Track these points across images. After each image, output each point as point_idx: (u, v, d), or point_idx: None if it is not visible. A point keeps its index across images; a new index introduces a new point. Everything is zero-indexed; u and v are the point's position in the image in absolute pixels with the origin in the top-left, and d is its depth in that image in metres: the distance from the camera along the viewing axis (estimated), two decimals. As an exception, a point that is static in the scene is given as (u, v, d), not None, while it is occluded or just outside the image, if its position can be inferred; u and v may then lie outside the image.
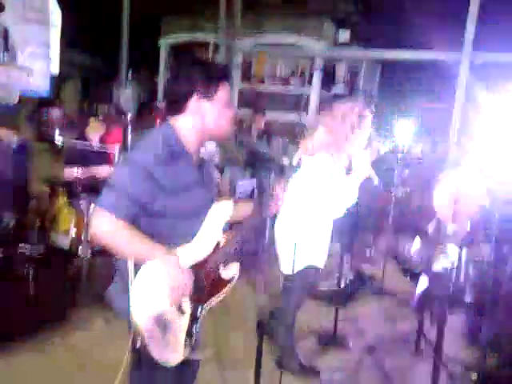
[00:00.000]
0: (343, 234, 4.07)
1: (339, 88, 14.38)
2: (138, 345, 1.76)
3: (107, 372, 2.01)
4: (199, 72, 1.84)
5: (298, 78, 14.97)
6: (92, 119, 4.59)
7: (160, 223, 1.81)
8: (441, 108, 10.82)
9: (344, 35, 13.87)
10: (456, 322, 4.14)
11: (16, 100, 4.57)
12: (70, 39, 5.98)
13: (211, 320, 3.89)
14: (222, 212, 1.96)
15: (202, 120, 1.86)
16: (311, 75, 14.52)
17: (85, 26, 9.78)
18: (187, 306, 1.87)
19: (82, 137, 4.47)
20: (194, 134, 1.88)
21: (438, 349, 3.01)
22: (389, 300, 4.66)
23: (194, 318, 1.90)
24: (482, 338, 3.41)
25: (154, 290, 1.77)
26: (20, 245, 3.48)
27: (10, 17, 4.51)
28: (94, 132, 4.49)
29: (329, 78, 14.42)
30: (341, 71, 15.06)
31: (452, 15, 8.36)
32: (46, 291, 3.41)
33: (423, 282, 3.81)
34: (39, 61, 4.87)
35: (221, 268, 1.96)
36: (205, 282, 1.91)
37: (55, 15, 5.03)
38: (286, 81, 15.14)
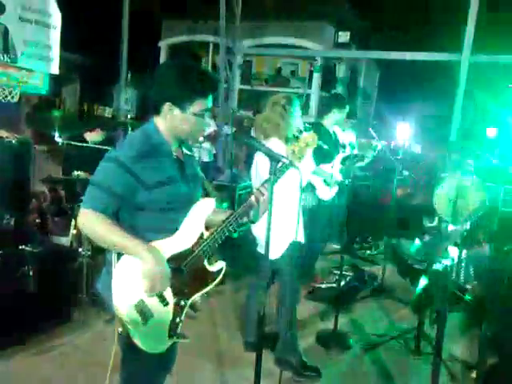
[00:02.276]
0: (343, 234, 4.07)
1: (339, 89, 14.41)
2: (120, 331, 1.82)
3: (108, 372, 2.01)
4: (178, 81, 1.85)
5: (298, 79, 15.00)
6: (98, 129, 4.63)
7: (141, 216, 1.86)
8: (440, 108, 10.82)
9: (344, 36, 13.89)
10: (456, 321, 4.15)
11: (16, 100, 4.57)
12: (71, 40, 5.99)
13: (211, 320, 3.90)
14: (204, 207, 2.00)
15: (173, 125, 1.90)
16: (311, 76, 14.54)
17: (85, 27, 9.80)
18: (170, 297, 1.90)
19: (82, 137, 4.48)
20: (169, 134, 1.93)
21: (437, 348, 3.01)
22: (389, 300, 4.66)
23: (178, 309, 1.93)
24: (482, 337, 3.40)
25: (135, 278, 1.81)
26: (20, 245, 3.48)
27: (10, 17, 4.51)
28: (92, 139, 4.54)
29: (329, 80, 14.45)
30: (341, 72, 15.09)
31: (451, 15, 8.36)
32: (46, 291, 3.41)
33: (423, 282, 3.82)
34: (39, 61, 4.87)
35: (205, 261, 1.99)
36: (188, 274, 1.93)
37: (55, 16, 5.04)
38: (285, 82, 15.17)
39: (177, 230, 1.91)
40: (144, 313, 1.83)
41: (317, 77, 14.19)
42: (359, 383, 3.30)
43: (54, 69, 5.04)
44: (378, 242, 6.23)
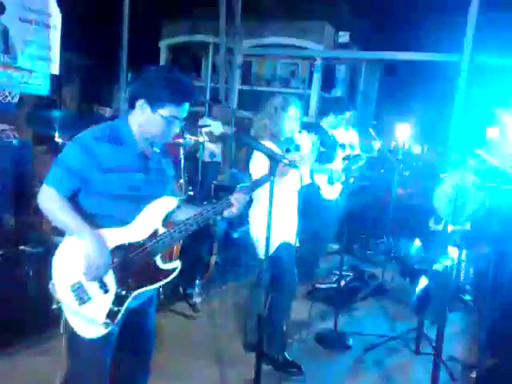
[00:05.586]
0: (343, 234, 4.07)
1: (339, 90, 14.41)
2: (54, 306, 1.92)
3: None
4: (156, 82, 1.92)
5: (298, 80, 14.98)
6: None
7: (95, 201, 1.92)
8: (440, 109, 10.83)
9: (344, 37, 13.88)
10: (456, 321, 4.15)
11: (16, 100, 4.58)
12: (71, 40, 5.99)
13: (211, 320, 3.90)
14: (164, 205, 2.03)
15: (141, 122, 1.97)
16: (311, 77, 14.53)
17: (85, 27, 9.80)
18: (112, 285, 1.92)
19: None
20: (138, 129, 1.99)
21: (437, 348, 3.01)
22: (389, 300, 4.66)
23: (119, 300, 1.94)
24: (482, 337, 3.41)
25: (76, 259, 1.88)
26: (20, 245, 3.48)
27: (10, 18, 4.52)
28: None
29: (329, 80, 14.43)
30: (341, 73, 15.08)
31: (452, 16, 8.37)
32: (46, 291, 3.41)
33: (423, 282, 3.82)
34: (39, 62, 4.88)
35: (157, 258, 2.00)
36: (134, 267, 1.95)
37: (55, 16, 5.04)
38: (285, 82, 15.15)
39: (128, 220, 1.95)
40: (80, 295, 1.89)
41: (317, 77, 14.18)
42: (359, 383, 3.30)
43: (54, 69, 5.04)
44: (378, 242, 6.22)
